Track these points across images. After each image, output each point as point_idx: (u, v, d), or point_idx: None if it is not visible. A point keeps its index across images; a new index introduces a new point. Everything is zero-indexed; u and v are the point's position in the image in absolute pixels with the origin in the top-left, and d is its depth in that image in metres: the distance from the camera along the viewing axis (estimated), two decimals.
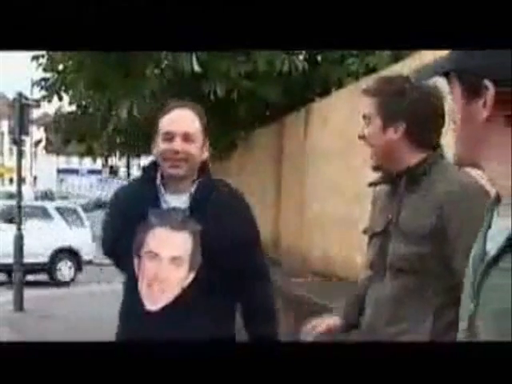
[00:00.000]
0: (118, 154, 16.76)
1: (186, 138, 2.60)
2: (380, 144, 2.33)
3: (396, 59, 7.38)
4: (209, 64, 9.06)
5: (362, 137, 2.42)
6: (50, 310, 11.13)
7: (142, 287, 2.56)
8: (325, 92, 9.78)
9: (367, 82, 2.08)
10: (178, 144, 2.58)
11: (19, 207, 11.81)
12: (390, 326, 2.29)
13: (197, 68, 8.73)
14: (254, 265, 2.76)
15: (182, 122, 2.64)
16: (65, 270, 16.60)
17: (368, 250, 2.51)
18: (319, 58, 10.54)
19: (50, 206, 18.48)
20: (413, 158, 2.31)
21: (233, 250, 2.60)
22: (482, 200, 2.02)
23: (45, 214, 17.07)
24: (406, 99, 2.30)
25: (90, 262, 16.78)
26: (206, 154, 2.70)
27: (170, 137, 2.60)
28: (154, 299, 2.54)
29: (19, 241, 11.46)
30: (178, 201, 2.64)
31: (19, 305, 11.15)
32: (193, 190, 2.64)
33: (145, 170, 2.81)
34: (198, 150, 2.63)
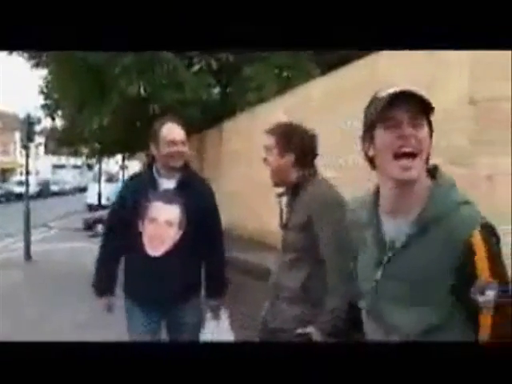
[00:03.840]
0: (95, 155, 17.03)
1: (183, 142, 2.70)
2: (277, 167, 2.28)
3: (280, 92, 7.68)
4: (153, 91, 9.13)
5: (265, 160, 2.32)
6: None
7: (146, 241, 2.63)
8: (233, 115, 10.16)
9: (272, 123, 2.33)
10: (179, 147, 2.68)
11: (27, 191, 11.61)
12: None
13: (142, 92, 8.90)
14: (215, 228, 2.84)
15: (178, 131, 2.71)
16: None
17: None
18: (228, 90, 10.93)
19: None
20: (296, 174, 2.26)
21: (202, 218, 2.70)
22: (333, 203, 2.09)
23: None
24: (294, 137, 2.26)
25: None
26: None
27: (173, 142, 2.66)
28: (155, 248, 2.63)
29: (27, 215, 11.33)
30: (168, 183, 2.71)
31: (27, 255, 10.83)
32: (178, 176, 2.72)
33: (145, 165, 2.84)
34: (188, 149, 2.75)
